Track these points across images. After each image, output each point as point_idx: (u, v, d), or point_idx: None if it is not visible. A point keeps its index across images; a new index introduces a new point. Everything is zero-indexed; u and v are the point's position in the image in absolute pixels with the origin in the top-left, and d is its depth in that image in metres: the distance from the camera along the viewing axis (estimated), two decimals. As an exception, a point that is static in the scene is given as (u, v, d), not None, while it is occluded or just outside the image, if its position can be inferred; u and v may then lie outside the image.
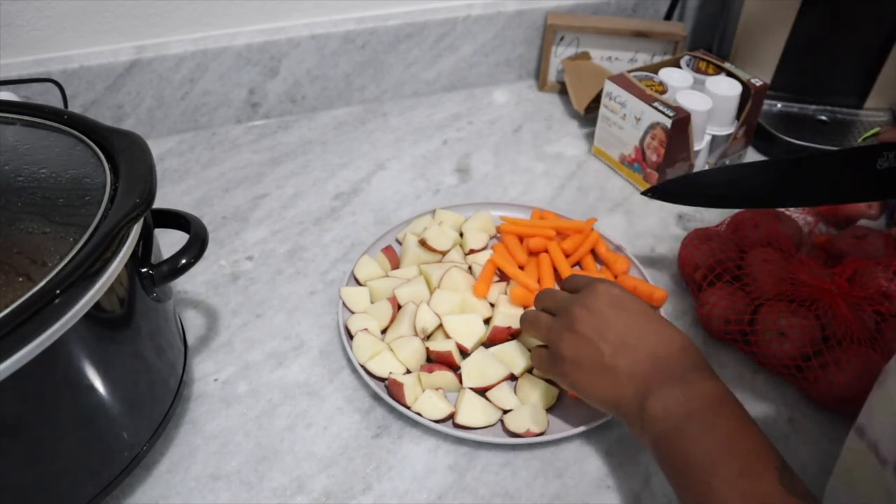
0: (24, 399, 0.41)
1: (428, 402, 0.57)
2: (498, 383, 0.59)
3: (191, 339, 0.64)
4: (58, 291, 0.40)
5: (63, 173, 0.49)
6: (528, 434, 0.55)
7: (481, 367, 0.59)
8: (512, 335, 0.63)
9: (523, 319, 0.59)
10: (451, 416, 0.57)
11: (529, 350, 0.60)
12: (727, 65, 0.84)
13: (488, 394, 0.59)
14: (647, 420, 0.48)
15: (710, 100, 0.80)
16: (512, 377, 0.60)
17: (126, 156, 0.50)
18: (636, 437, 0.50)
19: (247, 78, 0.89)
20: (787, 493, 0.42)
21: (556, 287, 0.67)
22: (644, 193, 0.66)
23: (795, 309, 0.61)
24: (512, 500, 0.54)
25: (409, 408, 0.57)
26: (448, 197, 0.82)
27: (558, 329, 0.54)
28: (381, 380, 0.60)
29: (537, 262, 0.70)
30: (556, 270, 0.69)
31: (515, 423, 0.56)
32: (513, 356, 0.60)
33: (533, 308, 0.60)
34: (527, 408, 0.57)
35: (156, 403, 0.53)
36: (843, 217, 0.73)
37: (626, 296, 0.54)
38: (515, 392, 0.59)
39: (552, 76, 1.00)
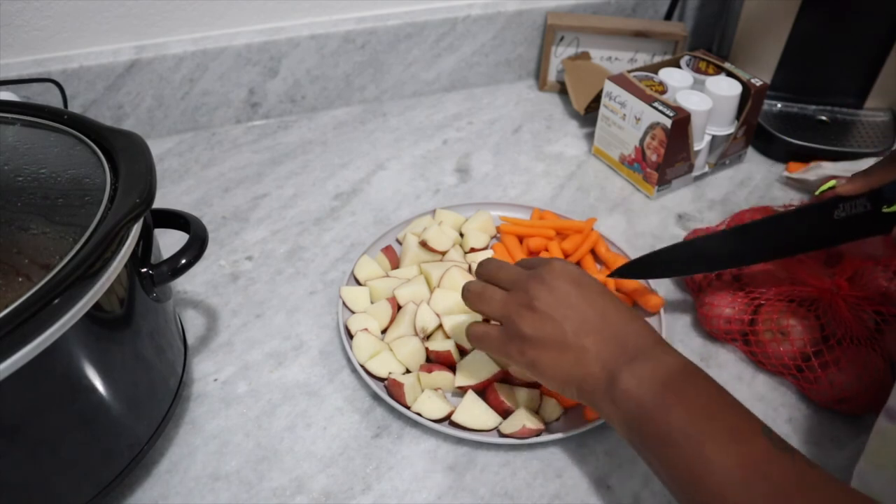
0: (25, 399, 0.41)
1: (427, 402, 0.57)
2: (489, 381, 0.58)
3: (191, 339, 0.64)
4: (58, 291, 0.40)
5: (63, 173, 0.49)
6: (523, 431, 0.55)
7: (475, 366, 0.59)
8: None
9: (466, 290, 0.55)
10: (451, 417, 0.57)
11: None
12: (727, 65, 0.84)
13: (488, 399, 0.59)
14: (618, 396, 0.46)
15: (710, 100, 0.80)
16: (505, 376, 0.60)
17: (126, 156, 0.50)
18: (602, 416, 0.49)
19: (247, 78, 0.89)
20: (781, 452, 0.42)
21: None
22: (610, 276, 0.65)
23: (795, 309, 0.61)
24: (512, 500, 0.54)
25: (408, 408, 0.57)
26: (448, 197, 0.82)
27: (515, 305, 0.51)
28: (381, 380, 0.60)
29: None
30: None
31: (511, 425, 0.56)
32: None
33: (476, 280, 0.56)
34: (521, 408, 0.57)
35: (155, 403, 0.53)
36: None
37: (583, 274, 0.52)
38: (503, 398, 0.58)
39: (552, 76, 1.00)
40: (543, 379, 0.51)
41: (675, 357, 0.48)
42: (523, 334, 0.50)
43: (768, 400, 0.61)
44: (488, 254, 0.70)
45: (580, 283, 0.51)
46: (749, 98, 0.81)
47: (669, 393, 0.45)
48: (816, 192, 0.58)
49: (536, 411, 0.58)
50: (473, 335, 0.55)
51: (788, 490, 0.40)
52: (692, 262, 0.64)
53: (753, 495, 0.40)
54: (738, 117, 0.83)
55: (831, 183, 0.57)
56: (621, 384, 0.47)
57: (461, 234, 0.73)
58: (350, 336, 0.63)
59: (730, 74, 0.83)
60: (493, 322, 0.56)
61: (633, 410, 0.46)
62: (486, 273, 0.56)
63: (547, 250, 0.70)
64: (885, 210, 0.56)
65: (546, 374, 0.50)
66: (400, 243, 0.73)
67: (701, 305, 0.66)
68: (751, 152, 0.89)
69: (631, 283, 0.68)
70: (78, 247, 0.43)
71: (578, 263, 0.72)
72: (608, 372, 0.48)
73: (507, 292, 0.53)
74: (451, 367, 0.60)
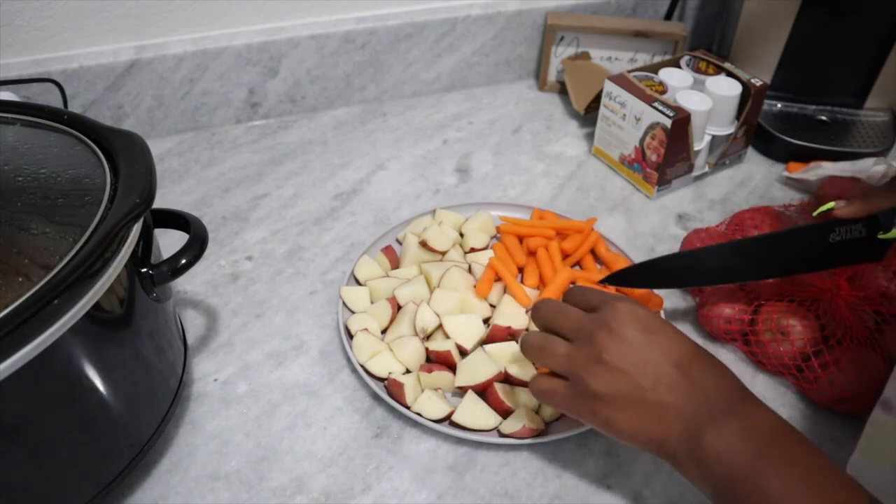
0: (25, 399, 0.41)
1: (427, 402, 0.57)
2: (489, 381, 0.58)
3: (191, 339, 0.64)
4: (58, 291, 0.40)
5: (63, 173, 0.49)
6: (523, 431, 0.55)
7: (475, 366, 0.59)
8: (511, 335, 0.63)
9: (527, 344, 0.51)
10: (451, 417, 0.57)
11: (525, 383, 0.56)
12: (727, 65, 0.84)
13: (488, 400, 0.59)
14: (705, 459, 0.43)
15: (710, 100, 0.80)
16: (505, 377, 0.60)
17: (126, 156, 0.50)
18: (686, 477, 0.45)
19: (247, 78, 0.89)
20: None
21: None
22: (601, 282, 0.64)
23: (795, 309, 0.61)
24: (512, 500, 0.54)
25: (408, 408, 0.57)
26: (448, 197, 0.82)
27: (582, 360, 0.47)
28: (381, 380, 0.60)
29: (536, 262, 0.70)
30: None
31: (511, 425, 0.56)
32: (508, 355, 0.60)
33: (536, 331, 0.52)
34: (520, 408, 0.57)
35: (155, 403, 0.53)
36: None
37: (651, 316, 0.48)
38: (503, 398, 0.58)
39: (552, 76, 1.00)
40: (620, 438, 0.47)
41: (764, 415, 0.44)
42: (594, 392, 0.46)
43: (768, 400, 0.61)
44: (489, 254, 0.70)
45: (651, 329, 0.47)
46: (749, 98, 0.81)
47: (763, 459, 0.41)
48: (815, 214, 0.58)
49: (536, 411, 0.58)
50: (538, 391, 0.51)
51: None
52: (687, 274, 0.63)
53: None
54: (738, 117, 0.83)
55: (830, 205, 0.57)
56: (707, 447, 0.43)
57: (461, 234, 0.73)
58: (350, 336, 0.63)
59: (730, 74, 0.83)
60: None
61: (723, 476, 0.42)
62: (543, 319, 0.52)
63: (547, 250, 0.70)
64: (881, 236, 0.56)
65: (623, 434, 0.47)
66: (400, 243, 0.73)
67: (701, 305, 0.66)
68: (751, 152, 0.89)
69: (632, 294, 0.67)
70: (78, 247, 0.43)
71: (579, 263, 0.72)
72: (691, 432, 0.44)
73: (572, 344, 0.49)
74: (451, 367, 0.60)
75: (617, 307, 0.48)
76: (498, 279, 0.67)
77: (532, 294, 0.67)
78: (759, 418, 0.44)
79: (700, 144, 0.82)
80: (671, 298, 0.70)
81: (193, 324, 0.66)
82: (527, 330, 0.63)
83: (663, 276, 0.63)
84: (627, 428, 0.46)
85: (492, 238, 0.74)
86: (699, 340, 0.66)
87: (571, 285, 0.61)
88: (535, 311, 0.53)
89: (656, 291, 0.67)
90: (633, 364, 0.46)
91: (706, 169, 0.85)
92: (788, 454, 0.42)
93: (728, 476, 0.42)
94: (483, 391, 0.59)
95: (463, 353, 0.61)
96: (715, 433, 0.43)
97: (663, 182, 0.81)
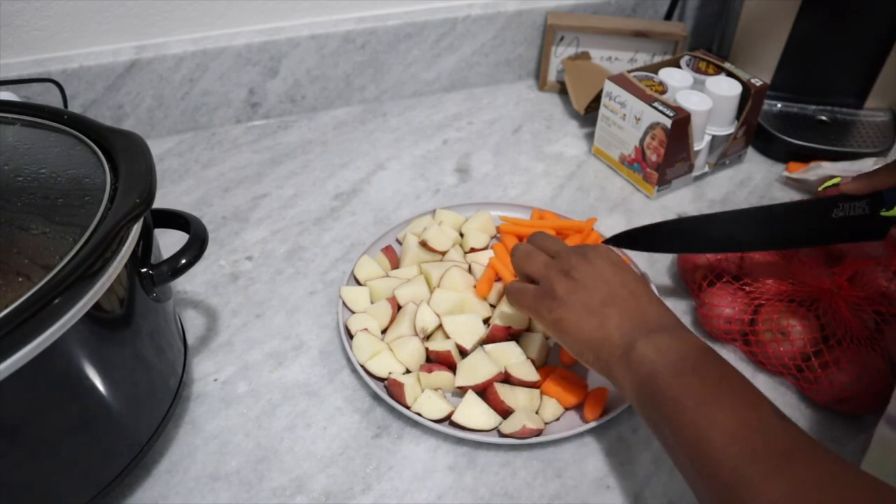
0: (25, 399, 0.41)
1: (427, 402, 0.57)
2: (489, 381, 0.58)
3: (191, 339, 0.64)
4: (58, 291, 0.40)
5: (63, 173, 0.49)
6: (523, 430, 0.55)
7: (475, 366, 0.59)
8: (511, 335, 0.63)
9: (516, 249, 0.60)
10: (451, 417, 0.57)
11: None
12: (727, 65, 0.84)
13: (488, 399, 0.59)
14: (634, 360, 0.49)
15: (710, 100, 0.80)
16: (505, 377, 0.60)
17: (126, 156, 0.50)
18: (615, 382, 0.52)
19: (247, 78, 0.89)
20: (781, 420, 0.44)
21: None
22: (605, 242, 0.66)
23: (795, 309, 0.61)
24: (512, 500, 0.54)
25: (408, 408, 0.57)
26: (448, 197, 0.82)
27: (555, 270, 0.56)
28: (381, 380, 0.60)
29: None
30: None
31: (511, 425, 0.56)
32: (508, 355, 0.60)
33: (525, 243, 0.61)
34: (520, 408, 0.57)
35: (155, 403, 0.53)
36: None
37: (623, 263, 0.57)
38: (503, 398, 0.58)
39: (552, 76, 1.00)
40: (565, 338, 0.54)
41: (694, 338, 0.50)
42: (556, 294, 0.54)
43: (768, 400, 0.61)
44: (489, 254, 0.70)
45: (618, 265, 0.56)
46: (749, 98, 0.81)
47: (684, 363, 0.48)
48: (820, 189, 0.58)
49: (536, 411, 0.58)
50: (511, 288, 0.59)
51: (786, 451, 0.41)
52: (689, 240, 0.65)
53: (752, 454, 0.41)
54: (738, 117, 0.83)
55: (836, 180, 0.57)
56: (638, 350, 0.49)
57: (461, 234, 0.73)
58: (350, 336, 0.63)
59: (730, 74, 0.83)
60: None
61: (647, 374, 0.48)
62: (536, 241, 0.61)
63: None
64: (883, 213, 0.56)
65: (567, 333, 0.53)
66: (400, 243, 0.73)
67: (701, 305, 0.66)
68: (751, 152, 0.89)
69: None
70: (78, 247, 0.43)
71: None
72: (627, 340, 0.50)
73: (552, 259, 0.57)
74: (452, 367, 0.60)
75: (599, 247, 0.58)
76: (498, 279, 0.67)
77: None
78: (688, 338, 0.50)
79: (700, 144, 0.82)
80: (672, 298, 0.70)
81: (193, 324, 0.66)
82: (528, 330, 0.64)
83: (666, 240, 0.66)
84: (572, 328, 0.53)
85: (492, 238, 0.74)
86: (699, 340, 0.66)
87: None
88: (533, 235, 0.62)
89: (656, 290, 0.67)
90: (594, 282, 0.54)
91: (706, 169, 0.85)
92: (706, 363, 0.48)
93: (650, 373, 0.48)
94: (483, 391, 0.59)
95: (463, 353, 0.61)
96: (646, 341, 0.49)
97: (663, 182, 0.81)
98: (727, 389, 0.46)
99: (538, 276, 0.57)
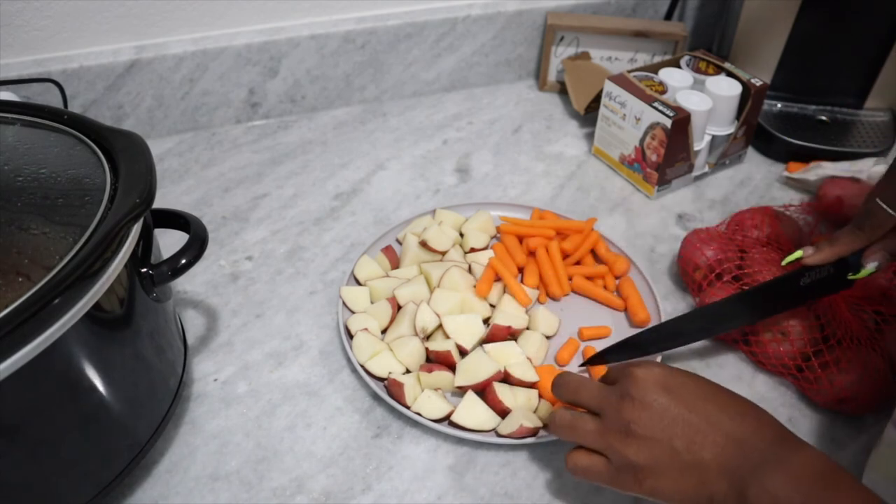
0: (25, 399, 0.41)
1: (427, 402, 0.57)
2: (489, 381, 0.58)
3: (191, 339, 0.64)
4: (58, 291, 0.40)
5: (63, 173, 0.49)
6: (521, 430, 0.55)
7: (474, 366, 0.59)
8: (511, 335, 0.63)
9: (556, 422, 0.51)
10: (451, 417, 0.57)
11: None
12: (727, 65, 0.84)
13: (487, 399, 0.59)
14: None
15: (710, 100, 0.80)
16: (505, 377, 0.60)
17: (126, 156, 0.50)
18: None
19: (247, 78, 0.89)
20: None
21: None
22: (582, 365, 0.63)
23: (795, 309, 0.61)
24: (512, 500, 0.54)
25: (408, 408, 0.57)
26: (448, 197, 0.82)
27: (614, 434, 0.47)
28: (381, 380, 0.60)
29: (536, 262, 0.70)
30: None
31: (508, 425, 0.56)
32: (507, 355, 0.60)
33: (563, 409, 0.52)
34: (517, 408, 0.57)
35: (155, 403, 0.53)
36: (842, 217, 0.73)
37: (670, 375, 0.48)
38: (501, 398, 0.58)
39: (552, 76, 1.00)
40: None
41: (805, 456, 0.44)
42: (633, 464, 0.47)
43: (768, 400, 0.61)
44: (489, 254, 0.70)
45: (671, 389, 0.47)
46: (749, 98, 0.81)
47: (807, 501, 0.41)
48: (783, 263, 0.59)
49: (534, 411, 0.58)
50: (577, 467, 0.50)
51: None
52: (665, 341, 0.62)
53: None
54: (738, 117, 0.83)
55: (798, 254, 0.58)
56: (752, 500, 0.42)
57: (461, 234, 0.73)
58: (350, 336, 0.63)
59: (730, 74, 0.83)
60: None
61: None
62: (565, 395, 0.52)
63: (547, 250, 0.70)
64: (851, 277, 0.57)
65: (673, 501, 0.46)
66: (400, 243, 0.73)
67: (701, 305, 0.66)
68: (751, 152, 0.89)
69: (627, 301, 0.67)
70: (78, 247, 0.43)
71: (578, 263, 0.72)
72: (736, 487, 0.43)
73: (600, 420, 0.49)
74: (451, 367, 0.60)
75: (636, 375, 0.48)
76: (498, 279, 0.67)
77: (532, 294, 0.67)
78: (801, 463, 0.43)
79: (700, 144, 0.82)
80: (672, 298, 0.70)
81: (193, 324, 0.66)
82: (527, 329, 0.64)
83: (639, 350, 0.61)
84: (674, 494, 0.46)
85: (492, 238, 0.74)
86: (699, 341, 0.66)
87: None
88: (556, 387, 0.53)
89: (656, 290, 0.67)
90: (663, 429, 0.46)
91: (706, 169, 0.85)
92: (834, 497, 0.41)
93: None
94: (482, 391, 0.59)
95: (463, 352, 0.61)
96: (759, 487, 0.42)
97: (663, 182, 0.81)
98: None
99: (597, 449, 0.49)
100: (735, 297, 0.62)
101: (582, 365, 0.63)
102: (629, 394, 0.48)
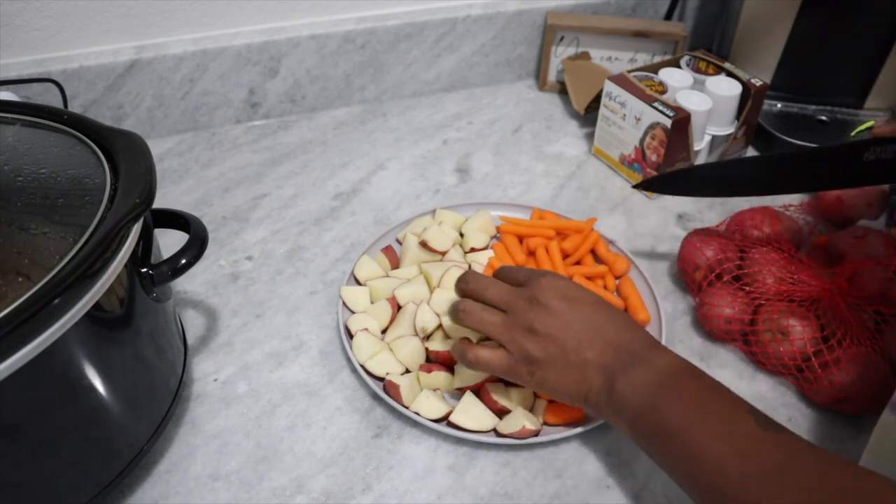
0: (25, 399, 0.41)
1: (425, 402, 0.57)
2: (484, 382, 0.58)
3: (191, 339, 0.64)
4: (58, 291, 0.40)
5: (63, 173, 0.49)
6: (523, 431, 0.55)
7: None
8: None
9: (460, 311, 0.55)
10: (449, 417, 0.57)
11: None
12: (727, 65, 0.84)
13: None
14: (618, 403, 0.50)
15: (710, 100, 0.80)
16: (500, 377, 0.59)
17: (126, 156, 0.50)
18: (609, 422, 0.52)
19: (247, 78, 0.89)
20: (764, 429, 0.45)
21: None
22: (635, 187, 0.66)
23: (795, 309, 0.61)
24: (512, 500, 0.54)
25: (407, 407, 0.57)
26: (448, 197, 0.82)
27: (518, 329, 0.53)
28: (381, 380, 0.60)
29: (536, 262, 0.70)
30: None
31: (510, 425, 0.56)
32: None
33: (470, 300, 0.56)
34: (518, 408, 0.57)
35: (155, 403, 0.53)
36: (843, 217, 0.73)
37: (572, 287, 0.55)
38: (496, 398, 0.58)
39: (552, 76, 1.00)
40: (554, 395, 0.54)
41: (665, 358, 0.51)
42: (531, 357, 0.53)
43: (768, 400, 0.61)
44: (489, 254, 0.70)
45: (572, 299, 0.54)
46: (749, 98, 0.81)
47: (662, 392, 0.48)
48: (853, 133, 0.58)
49: (531, 410, 0.58)
50: (481, 360, 0.55)
51: (777, 467, 0.42)
52: (722, 183, 0.64)
53: (746, 474, 0.43)
54: (738, 117, 0.83)
55: (869, 123, 0.57)
56: (619, 391, 0.50)
57: (461, 234, 0.73)
58: (350, 336, 0.63)
59: (730, 74, 0.83)
60: (484, 342, 0.58)
61: (632, 414, 0.49)
62: (472, 291, 0.57)
63: (547, 250, 0.70)
64: None
65: (556, 391, 0.53)
66: (400, 243, 0.73)
67: (701, 305, 0.66)
68: (751, 152, 0.89)
69: (627, 301, 0.68)
70: (78, 247, 0.43)
71: (578, 263, 0.72)
72: (608, 381, 0.51)
73: (506, 315, 0.55)
74: (451, 368, 0.60)
75: (541, 282, 0.55)
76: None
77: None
78: (661, 362, 0.50)
79: (700, 144, 0.82)
80: (671, 299, 0.70)
81: (193, 324, 0.66)
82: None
83: (697, 184, 0.65)
84: (559, 385, 0.53)
85: (492, 238, 0.74)
86: (699, 340, 0.66)
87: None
88: (464, 283, 0.57)
89: (656, 291, 0.67)
90: (560, 331, 0.52)
91: (706, 169, 0.85)
92: (683, 385, 0.49)
93: (635, 412, 0.49)
94: (477, 391, 0.59)
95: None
96: (624, 380, 0.50)
97: (663, 182, 0.81)
98: (706, 407, 0.47)
99: (501, 340, 0.54)
100: (796, 153, 0.63)
101: (635, 186, 0.70)
102: (536, 297, 0.54)
